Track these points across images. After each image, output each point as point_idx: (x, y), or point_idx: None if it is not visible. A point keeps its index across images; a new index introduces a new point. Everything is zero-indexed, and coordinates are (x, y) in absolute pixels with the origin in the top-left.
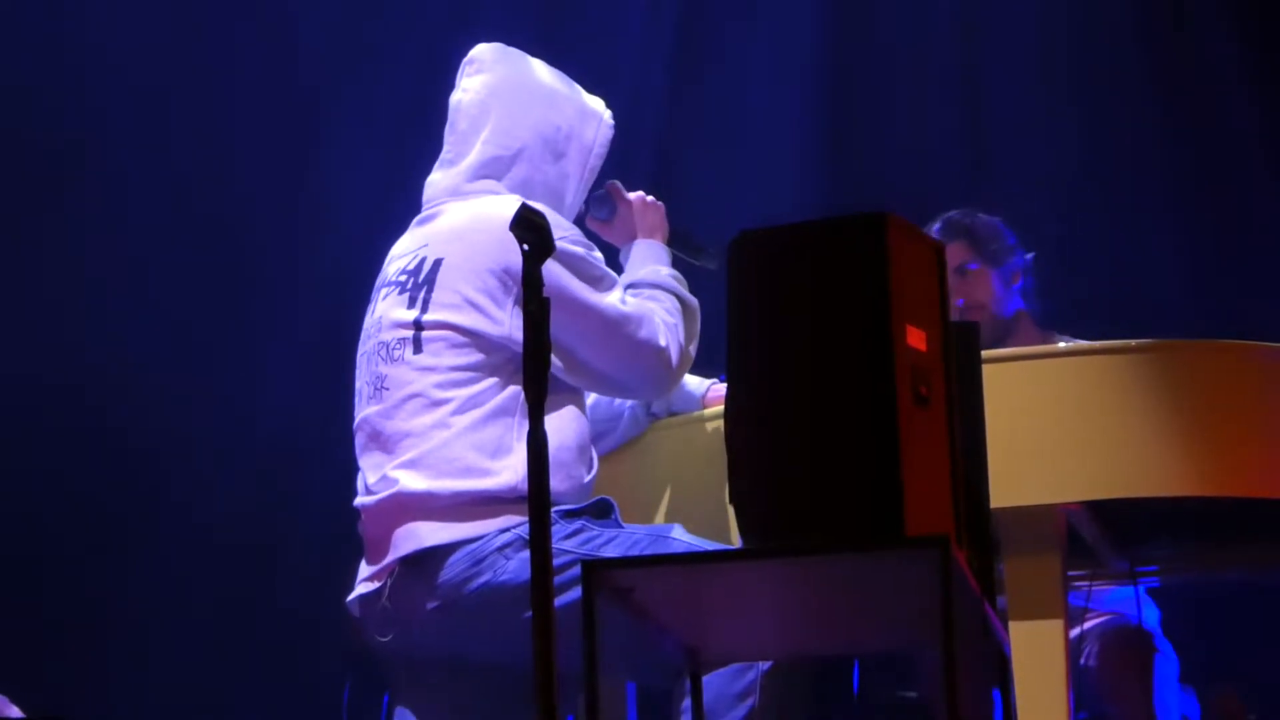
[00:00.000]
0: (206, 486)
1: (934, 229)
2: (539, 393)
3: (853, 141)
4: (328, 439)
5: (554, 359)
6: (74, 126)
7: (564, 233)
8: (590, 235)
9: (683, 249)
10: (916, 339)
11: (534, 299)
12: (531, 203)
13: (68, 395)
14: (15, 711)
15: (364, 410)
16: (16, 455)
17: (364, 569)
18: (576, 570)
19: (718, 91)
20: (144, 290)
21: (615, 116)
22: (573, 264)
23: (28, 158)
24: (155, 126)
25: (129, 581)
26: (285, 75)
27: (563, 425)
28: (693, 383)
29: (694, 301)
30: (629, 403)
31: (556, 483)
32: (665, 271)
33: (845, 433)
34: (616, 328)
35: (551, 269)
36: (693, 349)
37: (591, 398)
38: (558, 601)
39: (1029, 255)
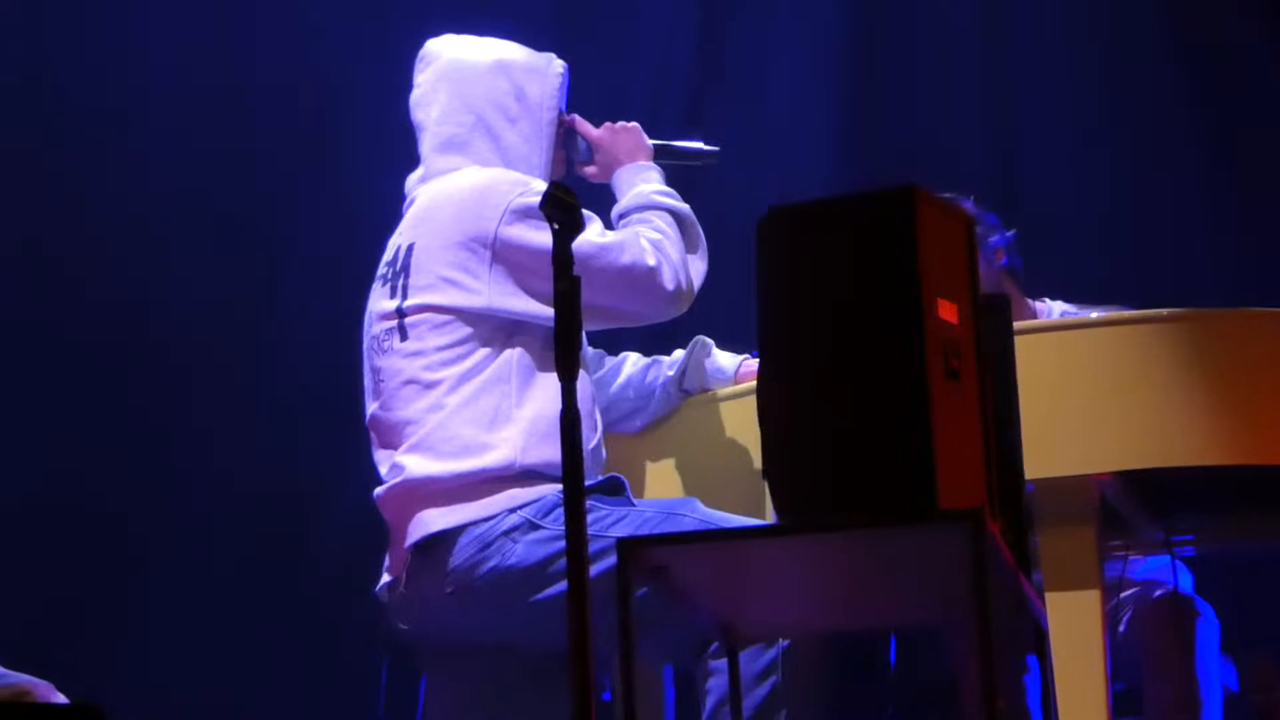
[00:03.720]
0: (244, 462)
1: None
2: (571, 369)
3: (879, 121)
4: (364, 408)
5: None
6: (101, 120)
7: (519, 189)
8: (585, 185)
9: (676, 158)
10: (948, 312)
11: (564, 276)
12: (509, 171)
13: (99, 381)
14: (60, 698)
15: (369, 407)
16: (50, 438)
17: (387, 558)
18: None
19: (744, 70)
20: (178, 270)
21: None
22: (529, 216)
23: (54, 148)
24: (180, 116)
25: (163, 558)
26: (304, 70)
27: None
28: (725, 359)
29: (685, 209)
30: (661, 380)
31: (555, 451)
32: (649, 189)
33: (877, 407)
34: (594, 261)
35: (512, 230)
36: (700, 257)
37: (623, 376)
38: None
39: (1010, 233)
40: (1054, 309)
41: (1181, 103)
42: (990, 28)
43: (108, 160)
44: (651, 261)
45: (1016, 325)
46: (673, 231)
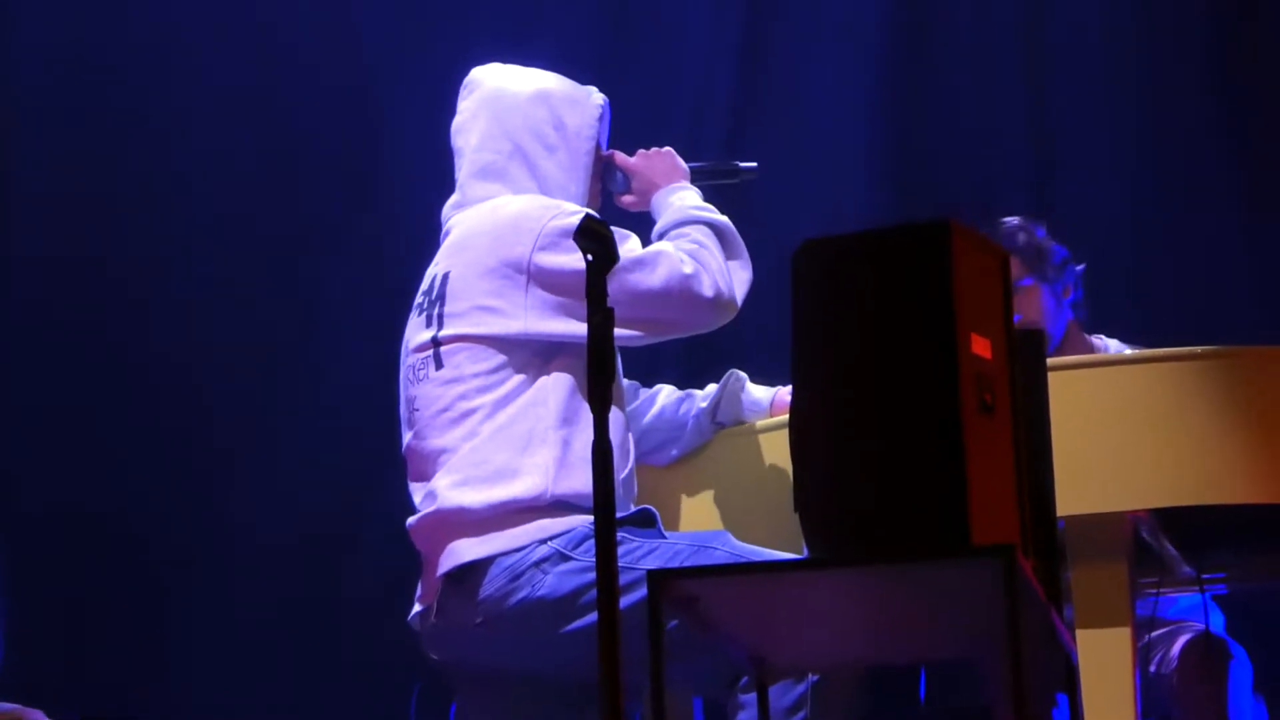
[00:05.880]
0: (278, 485)
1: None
2: (603, 404)
3: (918, 144)
4: (400, 437)
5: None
6: (157, 127)
7: (552, 213)
8: (626, 217)
9: (714, 178)
10: (981, 347)
11: (598, 310)
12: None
13: (134, 395)
14: None
15: (405, 437)
16: (79, 457)
17: (419, 587)
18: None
19: (782, 96)
20: (212, 292)
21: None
22: (564, 238)
23: (101, 147)
24: (220, 142)
25: (200, 585)
26: (351, 83)
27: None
28: (759, 391)
29: (723, 220)
30: (694, 412)
31: (587, 481)
32: (685, 205)
33: (910, 441)
34: (629, 274)
35: (547, 254)
36: (742, 265)
37: (656, 408)
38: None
39: (1080, 267)
40: (1110, 346)
41: (1223, 113)
42: (1031, 45)
43: (156, 183)
44: (688, 270)
45: (1051, 361)
46: (711, 242)
